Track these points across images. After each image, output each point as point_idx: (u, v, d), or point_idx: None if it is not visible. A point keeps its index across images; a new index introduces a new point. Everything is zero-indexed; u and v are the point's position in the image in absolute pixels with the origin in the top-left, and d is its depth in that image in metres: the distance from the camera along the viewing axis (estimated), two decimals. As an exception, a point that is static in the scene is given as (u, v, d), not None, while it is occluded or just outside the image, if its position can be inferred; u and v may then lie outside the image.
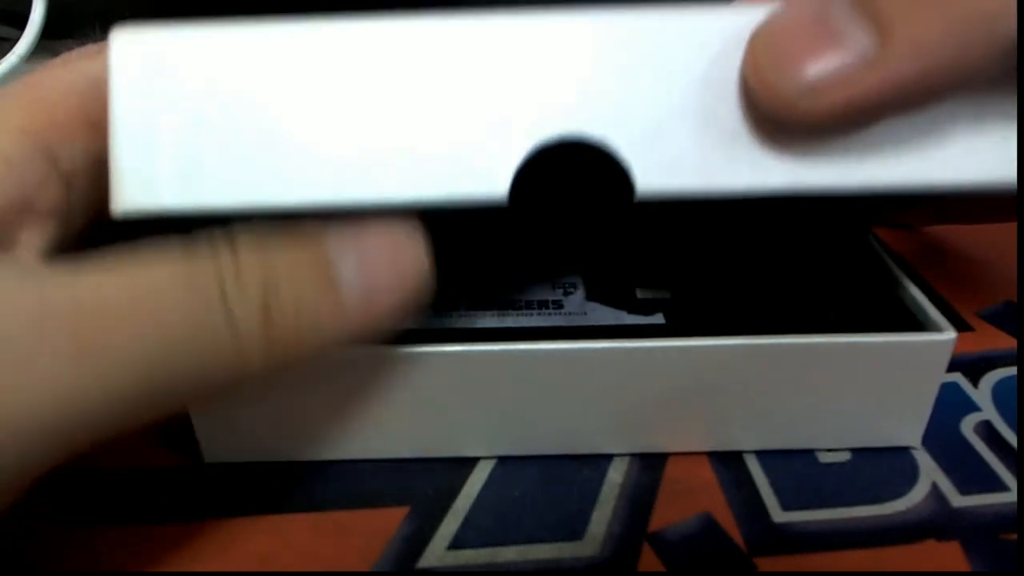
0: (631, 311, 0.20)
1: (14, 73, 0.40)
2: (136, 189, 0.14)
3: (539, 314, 0.20)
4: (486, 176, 0.14)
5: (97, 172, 0.15)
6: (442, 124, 0.14)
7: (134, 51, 0.14)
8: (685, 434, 0.20)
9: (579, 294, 0.21)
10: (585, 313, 0.20)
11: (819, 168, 0.14)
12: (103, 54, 0.14)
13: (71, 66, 0.16)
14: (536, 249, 0.22)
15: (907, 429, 0.20)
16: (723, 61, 0.14)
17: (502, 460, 0.20)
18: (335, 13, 0.14)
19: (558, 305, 0.20)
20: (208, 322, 0.13)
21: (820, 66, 0.12)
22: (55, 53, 0.17)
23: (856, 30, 0.12)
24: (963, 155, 0.14)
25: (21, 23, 0.39)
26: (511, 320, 0.20)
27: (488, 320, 0.20)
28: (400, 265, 0.14)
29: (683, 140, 0.14)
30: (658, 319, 0.20)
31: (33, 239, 0.15)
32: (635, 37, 0.14)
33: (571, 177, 0.16)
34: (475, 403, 0.19)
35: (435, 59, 0.14)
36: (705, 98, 0.14)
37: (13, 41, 0.40)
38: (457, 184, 0.14)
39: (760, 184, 0.14)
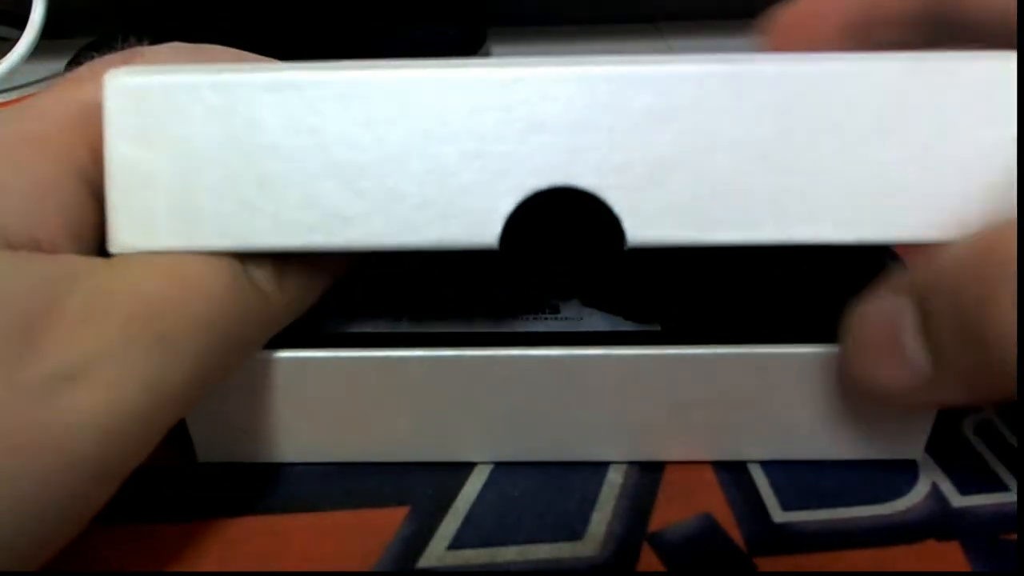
0: (628, 317, 0.20)
1: (14, 73, 0.40)
2: (132, 229, 0.15)
3: (535, 319, 0.20)
4: (477, 222, 0.15)
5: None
6: (434, 169, 0.15)
7: (128, 94, 0.15)
8: (684, 443, 0.20)
9: (574, 300, 0.21)
10: (581, 319, 0.20)
11: (812, 221, 0.15)
12: (93, 81, 0.15)
13: (63, 95, 0.16)
14: (527, 282, 0.22)
15: (910, 440, 0.19)
16: (717, 112, 0.15)
17: (500, 463, 0.20)
18: (330, 60, 0.15)
19: (554, 310, 0.20)
20: (241, 289, 0.15)
21: (891, 375, 0.15)
22: (55, 53, 0.17)
23: (918, 350, 0.15)
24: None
25: (21, 23, 0.39)
26: (506, 325, 0.20)
27: (484, 325, 0.20)
28: None
29: (676, 192, 0.15)
30: (655, 326, 0.20)
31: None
32: (627, 88, 0.15)
33: (562, 222, 0.16)
34: (472, 407, 0.19)
35: (428, 105, 0.15)
36: (698, 149, 0.15)
37: (13, 41, 0.40)
38: (448, 229, 0.15)
39: (753, 237, 0.15)
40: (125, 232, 0.15)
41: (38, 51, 0.39)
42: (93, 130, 0.15)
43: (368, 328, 0.19)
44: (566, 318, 0.20)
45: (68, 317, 0.13)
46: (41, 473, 0.12)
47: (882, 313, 0.15)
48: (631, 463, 0.20)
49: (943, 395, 0.15)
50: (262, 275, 0.15)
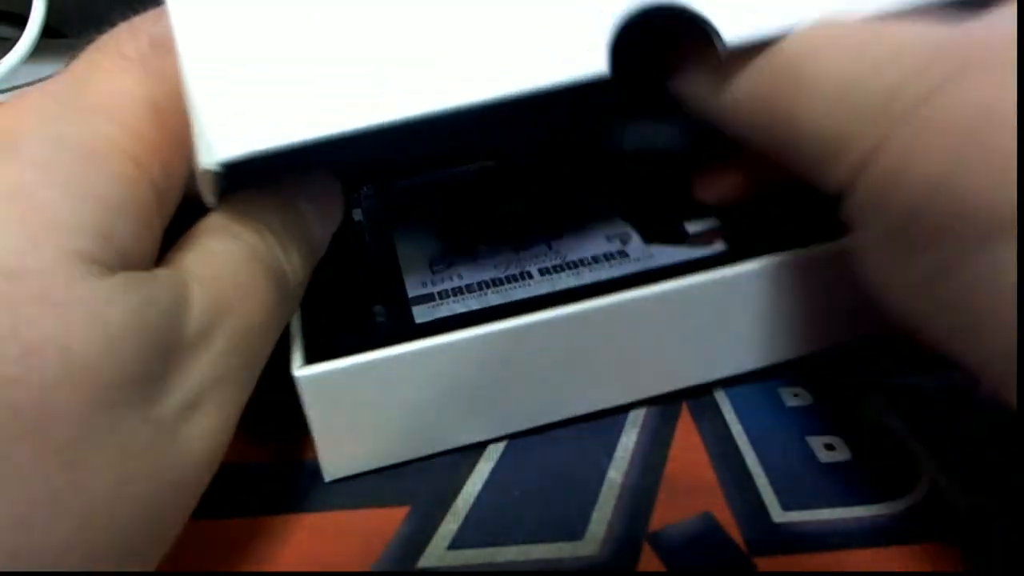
0: (692, 245, 0.21)
1: (14, 73, 0.40)
2: (224, 137, 0.14)
3: (610, 265, 0.21)
4: (586, 54, 0.14)
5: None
6: (527, 12, 0.14)
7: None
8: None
9: (636, 240, 0.22)
10: (652, 255, 0.21)
11: None
12: (143, 69, 0.15)
13: (122, 84, 0.15)
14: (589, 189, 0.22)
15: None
16: None
17: (503, 459, 0.20)
18: None
19: (623, 255, 0.21)
20: (286, 288, 0.16)
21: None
22: (55, 53, 0.17)
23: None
24: None
25: (21, 23, 0.39)
26: (588, 275, 0.20)
27: (565, 279, 0.20)
28: (335, 207, 0.19)
29: None
30: (719, 247, 0.21)
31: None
32: None
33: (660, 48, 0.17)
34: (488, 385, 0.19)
35: None
36: None
37: (13, 41, 0.40)
38: (561, 68, 0.14)
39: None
40: (218, 143, 0.14)
41: (38, 51, 0.39)
42: (160, 134, 0.14)
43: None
44: (637, 259, 0.21)
45: (185, 342, 0.13)
46: (172, 498, 0.13)
47: None
48: (634, 453, 0.20)
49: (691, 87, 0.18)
50: (293, 273, 0.16)
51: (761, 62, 0.16)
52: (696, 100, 0.18)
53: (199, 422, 0.13)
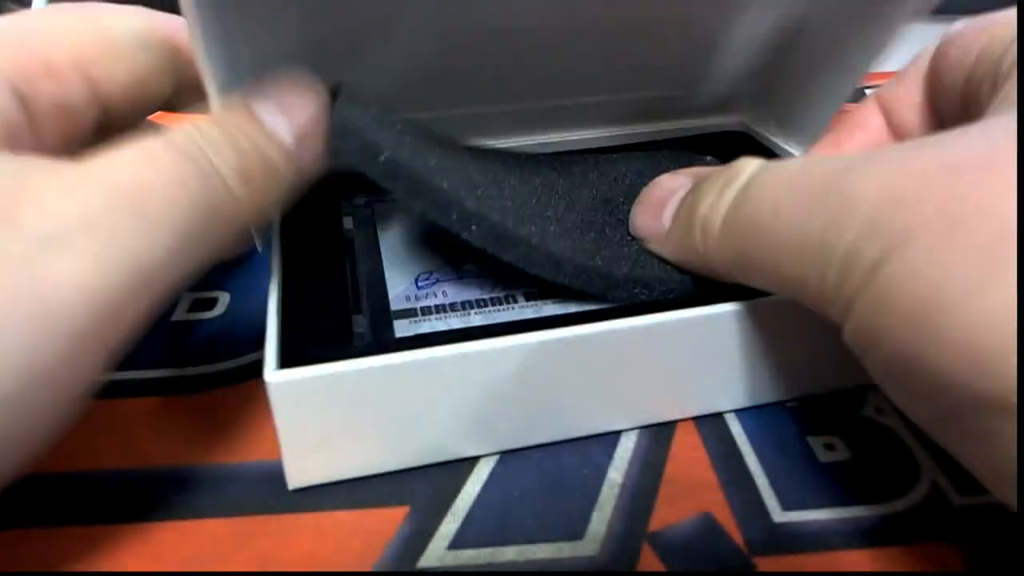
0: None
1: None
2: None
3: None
4: None
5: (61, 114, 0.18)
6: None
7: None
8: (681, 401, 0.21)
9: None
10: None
11: None
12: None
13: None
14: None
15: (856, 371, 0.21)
16: None
17: (503, 459, 0.20)
18: None
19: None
20: (211, 185, 0.16)
21: (646, 224, 0.21)
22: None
23: (667, 216, 0.20)
24: None
25: (27, 3, 0.39)
26: (573, 305, 0.20)
27: (550, 306, 0.21)
28: (314, 113, 0.18)
29: None
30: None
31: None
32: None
33: None
34: (473, 401, 0.19)
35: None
36: None
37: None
38: None
39: None
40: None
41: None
42: (17, 49, 0.17)
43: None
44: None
45: (49, 192, 0.14)
46: (30, 334, 0.13)
47: (671, 184, 0.21)
48: (633, 454, 0.20)
49: (667, 249, 0.20)
50: (231, 175, 0.16)
51: (728, 221, 0.17)
52: (673, 259, 0.20)
53: (65, 263, 0.13)
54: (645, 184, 0.23)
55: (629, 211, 0.22)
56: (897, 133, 0.21)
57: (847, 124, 0.22)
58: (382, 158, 0.18)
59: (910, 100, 0.21)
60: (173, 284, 0.15)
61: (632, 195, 0.23)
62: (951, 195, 0.13)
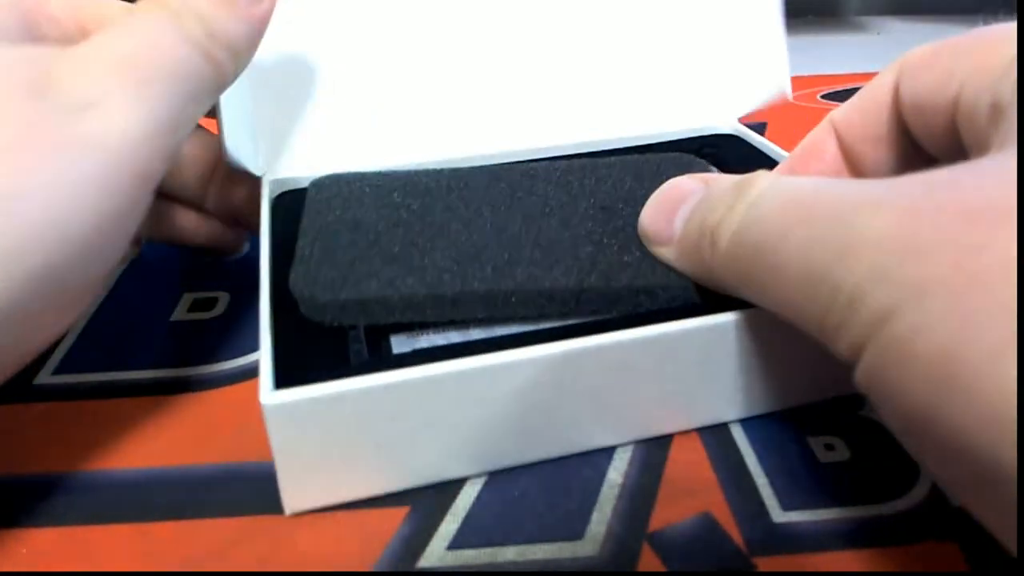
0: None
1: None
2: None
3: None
4: None
5: None
6: None
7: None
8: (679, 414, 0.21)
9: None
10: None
11: None
12: None
13: None
14: None
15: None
16: None
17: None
18: None
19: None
20: (190, 51, 0.18)
21: (656, 227, 0.21)
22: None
23: (679, 221, 0.20)
24: None
25: None
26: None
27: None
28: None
29: None
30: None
31: None
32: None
33: None
34: (465, 421, 0.18)
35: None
36: None
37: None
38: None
39: None
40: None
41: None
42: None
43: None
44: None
45: (67, 70, 0.17)
46: (76, 174, 0.16)
47: (684, 187, 0.20)
48: (632, 454, 0.20)
49: (675, 256, 0.20)
50: (215, 47, 0.19)
51: (736, 238, 0.17)
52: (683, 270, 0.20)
53: (94, 121, 0.16)
54: (644, 189, 0.23)
55: (629, 216, 0.22)
56: (855, 166, 0.21)
57: (803, 155, 0.22)
58: (348, 326, 0.20)
59: (871, 134, 0.20)
60: (176, 138, 0.18)
61: (632, 200, 0.23)
62: (968, 246, 0.12)
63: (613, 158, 0.27)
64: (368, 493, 0.19)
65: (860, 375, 0.14)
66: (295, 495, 0.18)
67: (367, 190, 0.24)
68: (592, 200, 0.23)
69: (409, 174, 0.25)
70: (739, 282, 0.17)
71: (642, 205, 0.22)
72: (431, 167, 0.26)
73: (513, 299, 0.19)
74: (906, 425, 0.14)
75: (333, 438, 0.17)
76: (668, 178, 0.22)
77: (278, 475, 0.18)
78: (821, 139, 0.21)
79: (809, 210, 0.15)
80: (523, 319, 0.20)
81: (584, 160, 0.26)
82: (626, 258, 0.20)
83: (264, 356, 0.18)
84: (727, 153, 0.30)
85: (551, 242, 0.21)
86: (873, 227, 0.14)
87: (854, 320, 0.14)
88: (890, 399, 0.14)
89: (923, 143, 0.19)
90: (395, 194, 0.24)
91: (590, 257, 0.21)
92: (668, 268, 0.20)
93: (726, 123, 0.31)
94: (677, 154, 0.27)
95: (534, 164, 0.26)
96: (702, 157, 0.28)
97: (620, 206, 0.23)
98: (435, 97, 0.29)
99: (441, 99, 0.29)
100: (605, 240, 0.21)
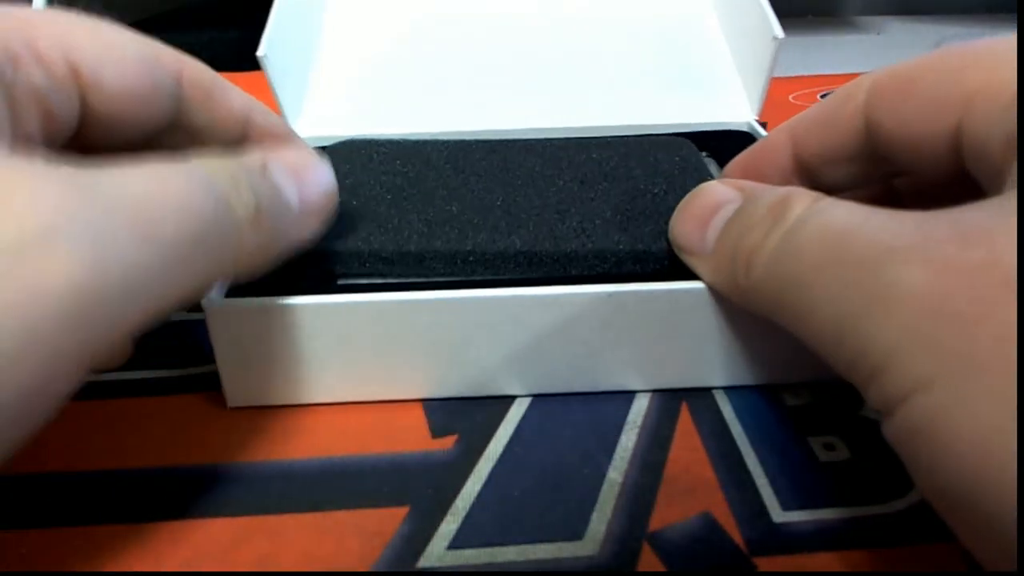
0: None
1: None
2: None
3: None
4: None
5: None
6: None
7: None
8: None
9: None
10: None
11: None
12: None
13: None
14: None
15: None
16: None
17: (502, 458, 0.20)
18: None
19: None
20: (222, 216, 0.15)
21: (688, 237, 0.21)
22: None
23: (713, 231, 0.20)
24: None
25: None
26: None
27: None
28: (324, 191, 0.19)
29: None
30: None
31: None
32: None
33: None
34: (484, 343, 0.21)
35: None
36: None
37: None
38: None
39: None
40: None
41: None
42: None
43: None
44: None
45: (47, 190, 0.13)
46: (17, 323, 0.12)
47: (717, 196, 0.20)
48: (633, 454, 0.20)
49: (707, 271, 0.20)
50: (244, 214, 0.16)
51: (770, 267, 0.17)
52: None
53: (57, 257, 0.12)
54: (629, 168, 0.25)
55: (603, 191, 0.24)
56: (810, 178, 0.20)
57: (754, 158, 0.22)
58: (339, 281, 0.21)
59: (832, 155, 0.19)
60: (162, 305, 0.14)
61: (613, 177, 0.25)
62: (1010, 322, 0.12)
63: (609, 138, 0.28)
64: (296, 400, 0.22)
65: (890, 432, 0.14)
66: (233, 392, 0.22)
67: (375, 156, 0.26)
68: (575, 174, 0.25)
69: (418, 144, 0.27)
70: (771, 311, 0.17)
71: (623, 182, 0.24)
72: (443, 138, 0.28)
73: (471, 259, 0.21)
74: (936, 494, 0.13)
75: (260, 345, 0.20)
76: (657, 159, 0.25)
77: (220, 373, 0.21)
78: (776, 145, 0.21)
79: (842, 250, 0.15)
80: (483, 279, 0.21)
81: (581, 139, 0.28)
82: (585, 225, 0.22)
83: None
84: (734, 150, 0.30)
85: (519, 210, 0.23)
86: (903, 281, 0.13)
87: (887, 380, 0.13)
88: (923, 468, 0.13)
89: (907, 169, 0.19)
90: (398, 161, 0.26)
91: (549, 224, 0.22)
92: (619, 234, 0.22)
93: (739, 119, 0.32)
94: (669, 137, 0.28)
95: (533, 140, 0.27)
96: (710, 152, 0.28)
97: (600, 182, 0.25)
98: (465, 85, 0.33)
99: (466, 88, 0.33)
100: (572, 210, 0.23)
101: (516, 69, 0.34)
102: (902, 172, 0.19)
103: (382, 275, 0.21)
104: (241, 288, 0.20)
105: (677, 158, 0.26)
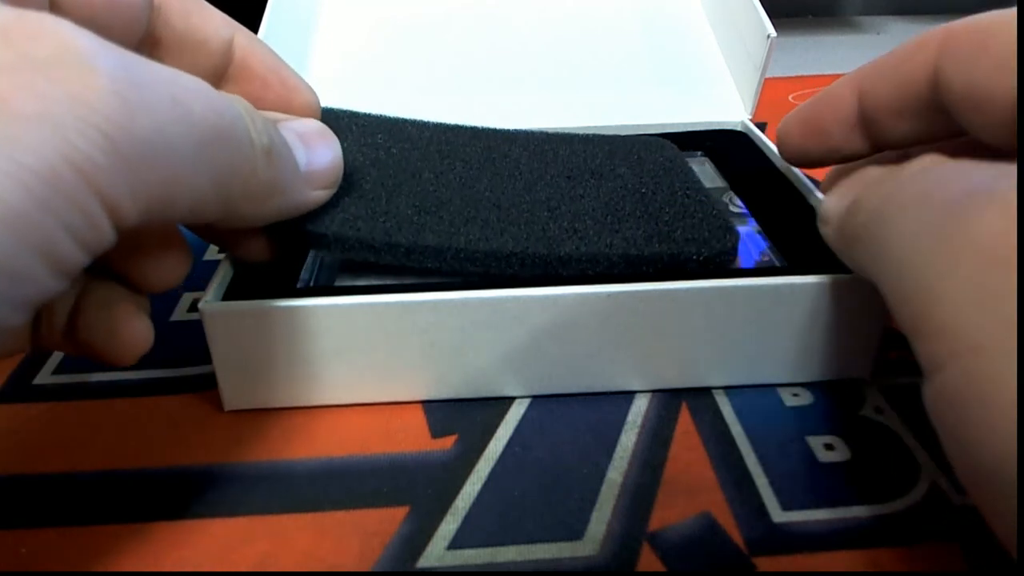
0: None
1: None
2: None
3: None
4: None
5: None
6: None
7: None
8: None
9: None
10: None
11: None
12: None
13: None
14: None
15: (858, 360, 0.22)
16: None
17: (502, 458, 0.20)
18: None
19: None
20: (240, 129, 0.16)
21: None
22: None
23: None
24: None
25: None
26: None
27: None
28: (330, 158, 0.20)
29: None
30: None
31: None
32: None
33: None
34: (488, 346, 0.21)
35: None
36: None
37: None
38: None
39: None
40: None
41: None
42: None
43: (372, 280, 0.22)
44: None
45: (97, 41, 0.13)
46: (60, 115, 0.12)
47: (838, 98, 0.20)
48: (633, 453, 0.20)
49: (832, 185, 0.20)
50: (260, 146, 0.16)
51: (866, 228, 0.16)
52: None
53: (96, 76, 0.12)
54: (613, 165, 0.25)
55: (589, 187, 0.24)
56: (871, 130, 0.20)
57: (818, 105, 0.21)
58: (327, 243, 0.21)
59: (898, 108, 0.19)
60: (175, 192, 0.14)
61: (598, 173, 0.25)
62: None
63: (592, 134, 0.28)
64: (295, 403, 0.22)
65: (930, 394, 0.13)
66: (231, 396, 0.21)
67: (353, 128, 0.25)
68: (561, 169, 0.25)
69: (396, 120, 0.26)
70: (860, 261, 0.17)
71: (610, 180, 0.24)
72: (420, 120, 0.27)
73: (461, 255, 0.21)
74: (967, 472, 0.13)
75: (256, 348, 0.20)
76: (641, 159, 0.26)
77: (217, 377, 0.21)
78: (840, 97, 0.20)
79: (927, 192, 0.14)
80: (471, 274, 0.21)
81: (564, 133, 0.28)
82: (577, 225, 0.22)
83: (218, 276, 0.21)
84: (729, 149, 0.30)
85: (510, 205, 0.23)
86: (975, 227, 0.13)
87: (938, 339, 0.13)
88: (958, 439, 0.13)
89: (975, 131, 0.18)
90: (379, 136, 0.25)
91: (541, 223, 0.22)
92: (611, 236, 0.22)
93: (733, 119, 0.32)
94: (651, 137, 0.28)
95: (514, 131, 0.27)
96: (705, 151, 0.28)
97: (587, 178, 0.25)
98: (457, 84, 0.33)
99: (458, 87, 0.33)
100: (562, 208, 0.23)
101: (508, 68, 0.34)
102: (966, 131, 0.18)
103: (367, 259, 0.21)
104: (237, 290, 0.20)
105: (661, 158, 0.26)
